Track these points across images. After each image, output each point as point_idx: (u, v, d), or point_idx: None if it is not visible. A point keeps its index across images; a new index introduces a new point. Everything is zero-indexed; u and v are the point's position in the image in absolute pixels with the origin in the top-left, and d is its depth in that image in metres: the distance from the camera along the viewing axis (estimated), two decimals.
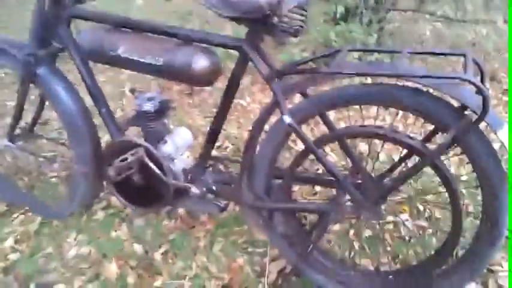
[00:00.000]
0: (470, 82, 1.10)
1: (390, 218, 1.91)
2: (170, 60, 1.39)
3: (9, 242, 1.83)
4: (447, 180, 1.26)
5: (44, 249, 1.80)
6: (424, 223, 1.90)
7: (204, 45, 1.41)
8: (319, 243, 1.50)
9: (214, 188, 1.57)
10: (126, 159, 1.51)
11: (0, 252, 1.78)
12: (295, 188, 2.06)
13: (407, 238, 1.80)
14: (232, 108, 1.47)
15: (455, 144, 1.21)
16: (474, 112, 1.15)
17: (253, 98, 3.15)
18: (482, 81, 1.25)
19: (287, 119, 1.28)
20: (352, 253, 1.73)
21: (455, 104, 1.21)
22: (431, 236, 1.82)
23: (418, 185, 2.11)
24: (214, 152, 1.67)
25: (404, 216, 1.93)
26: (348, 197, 1.38)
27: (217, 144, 2.24)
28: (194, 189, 1.54)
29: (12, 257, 1.76)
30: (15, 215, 2.00)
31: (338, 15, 3.56)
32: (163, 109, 1.60)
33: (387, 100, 1.25)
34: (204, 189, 1.56)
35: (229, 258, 1.73)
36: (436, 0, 3.95)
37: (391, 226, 1.88)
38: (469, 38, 4.30)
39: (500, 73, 3.50)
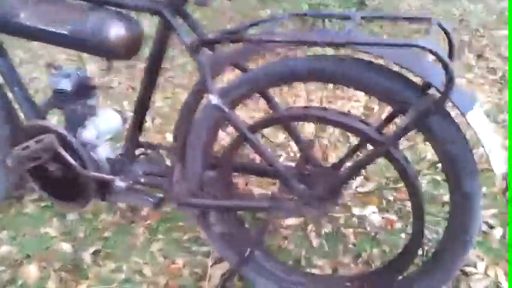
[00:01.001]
0: (430, 52, 0.87)
1: (355, 211, 1.70)
2: (77, 28, 1.15)
3: None
4: (406, 173, 1.04)
5: None
6: (393, 216, 1.69)
7: (119, 9, 1.17)
8: (262, 244, 1.29)
9: (143, 180, 1.35)
10: (27, 147, 1.27)
11: None
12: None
13: (372, 234, 1.59)
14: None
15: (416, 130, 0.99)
16: (438, 90, 0.93)
17: None
18: (450, 54, 1.02)
19: (213, 99, 1.05)
20: (307, 253, 1.51)
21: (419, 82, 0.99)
22: (400, 231, 1.61)
23: (389, 173, 1.89)
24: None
25: (372, 208, 1.71)
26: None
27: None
28: (118, 182, 1.32)
29: None
30: None
31: None
32: (83, 88, 1.36)
33: (336, 75, 1.02)
34: (131, 181, 1.34)
35: (168, 259, 1.51)
36: None
37: (355, 220, 1.67)
38: (457, 14, 4.05)
39: (487, 50, 3.26)
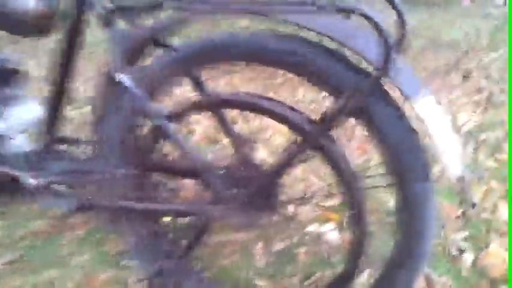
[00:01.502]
0: (369, 19, 0.71)
1: (310, 228, 1.51)
2: None
3: None
4: (342, 172, 0.87)
5: None
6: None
7: None
8: (187, 257, 1.10)
9: (56, 179, 1.17)
10: None
11: None
12: None
13: (325, 255, 1.40)
14: None
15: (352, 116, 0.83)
16: (376, 68, 0.77)
17: None
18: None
19: (116, 75, 0.89)
20: (249, 273, 1.32)
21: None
22: None
23: None
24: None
25: (330, 226, 1.53)
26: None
27: None
28: (26, 179, 1.14)
29: None
30: None
31: None
32: (4, 73, 1.20)
33: (262, 55, 0.86)
34: (43, 179, 1.16)
35: (91, 274, 1.32)
36: None
37: (309, 238, 1.49)
38: (447, 37, 3.95)
39: (475, 71, 3.12)
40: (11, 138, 1.21)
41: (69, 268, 1.34)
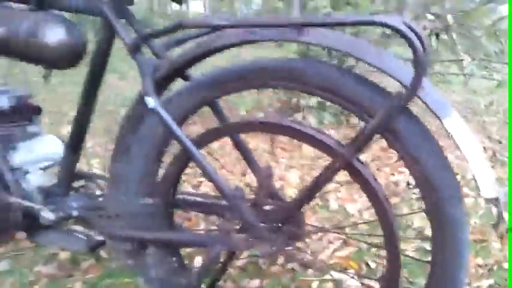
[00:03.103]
0: (398, 31, 0.73)
1: (330, 276, 1.46)
2: (11, 30, 1.04)
3: None
4: (372, 192, 0.86)
5: None
6: (374, 284, 1.45)
7: (58, 12, 1.07)
8: None
9: (75, 213, 1.16)
10: None
11: None
12: None
13: None
14: None
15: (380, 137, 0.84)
16: (405, 87, 0.79)
17: None
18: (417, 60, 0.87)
19: (150, 102, 0.91)
20: None
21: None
22: None
23: (373, 239, 1.68)
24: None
25: (350, 273, 1.48)
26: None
27: None
28: (46, 213, 1.13)
29: None
30: None
31: None
32: (24, 108, 1.23)
33: (290, 79, 0.88)
34: (62, 214, 1.15)
35: None
36: None
37: (330, 285, 1.44)
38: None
39: (476, 134, 3.18)
40: (29, 173, 1.20)
41: None
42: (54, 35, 1.03)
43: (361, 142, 0.81)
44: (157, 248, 1.06)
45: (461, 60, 3.30)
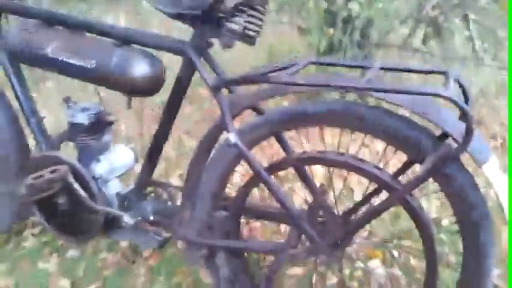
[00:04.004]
0: (451, 101, 0.89)
1: (360, 264, 1.67)
2: (103, 63, 1.19)
3: None
4: (421, 222, 1.04)
5: None
6: (398, 272, 1.66)
7: (144, 48, 1.21)
8: None
9: (151, 218, 1.34)
10: (41, 176, 1.27)
11: None
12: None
13: None
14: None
15: (431, 179, 1.00)
16: (455, 140, 0.95)
17: None
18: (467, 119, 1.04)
19: (232, 138, 1.07)
20: None
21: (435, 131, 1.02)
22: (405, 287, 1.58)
23: (396, 228, 1.88)
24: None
25: (376, 262, 1.69)
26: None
27: None
28: (127, 218, 1.31)
29: None
30: None
31: (321, 49, 3.41)
32: (100, 123, 1.38)
33: (352, 121, 1.04)
34: (140, 218, 1.33)
35: None
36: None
37: (360, 273, 1.64)
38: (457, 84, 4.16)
39: (487, 118, 3.32)
40: (109, 181, 1.37)
41: None
42: (140, 69, 1.18)
43: (416, 182, 0.98)
44: (226, 253, 1.25)
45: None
